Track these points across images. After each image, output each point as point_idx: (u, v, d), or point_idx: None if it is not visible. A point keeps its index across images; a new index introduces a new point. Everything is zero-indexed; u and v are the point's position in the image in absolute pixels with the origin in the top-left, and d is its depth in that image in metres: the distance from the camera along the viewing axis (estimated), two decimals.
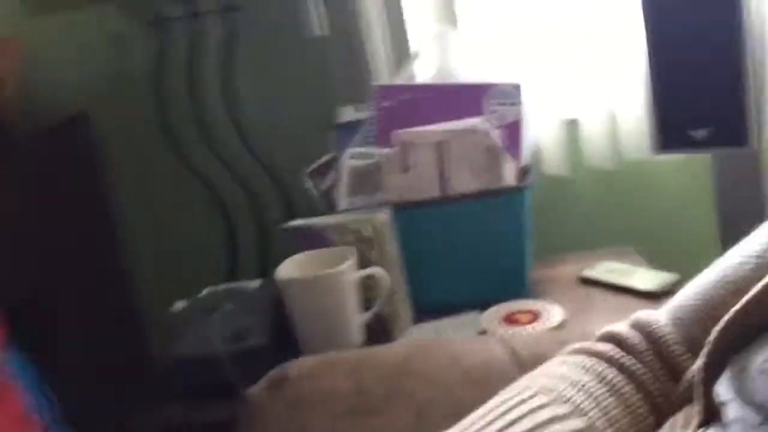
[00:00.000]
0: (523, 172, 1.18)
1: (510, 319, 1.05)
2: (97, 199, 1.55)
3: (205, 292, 1.25)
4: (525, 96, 1.19)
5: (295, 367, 0.79)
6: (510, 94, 1.18)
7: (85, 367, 1.36)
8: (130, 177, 1.57)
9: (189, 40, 1.50)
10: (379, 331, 1.06)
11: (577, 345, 0.56)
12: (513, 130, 1.17)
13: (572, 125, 1.40)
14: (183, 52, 1.51)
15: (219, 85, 1.52)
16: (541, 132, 1.35)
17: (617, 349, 0.53)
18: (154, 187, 1.58)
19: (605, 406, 0.49)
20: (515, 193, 1.14)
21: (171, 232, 1.59)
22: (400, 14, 1.41)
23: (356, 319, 1.05)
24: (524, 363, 0.72)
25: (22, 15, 1.47)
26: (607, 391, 0.50)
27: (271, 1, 1.45)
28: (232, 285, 1.29)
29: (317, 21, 1.38)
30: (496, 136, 1.14)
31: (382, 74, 1.38)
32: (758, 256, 0.50)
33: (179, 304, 1.24)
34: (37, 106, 1.44)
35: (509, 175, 1.14)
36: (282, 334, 1.05)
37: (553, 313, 1.04)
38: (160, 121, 1.52)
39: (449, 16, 1.35)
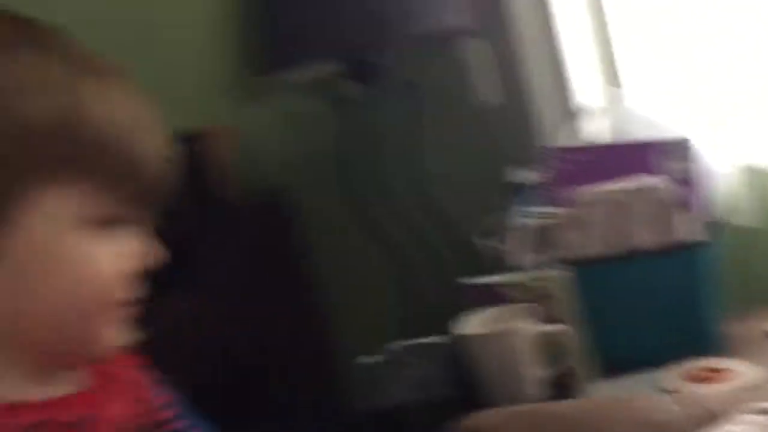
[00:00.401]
0: (705, 226, 1.16)
1: (696, 377, 1.02)
2: (294, 264, 1.71)
3: (390, 346, 1.33)
4: (702, 147, 1.18)
5: (479, 419, 0.84)
6: (682, 148, 1.18)
7: (282, 422, 1.48)
8: (321, 241, 1.72)
9: (372, 116, 1.64)
10: (561, 388, 1.08)
11: (762, 404, 0.56)
12: (689, 184, 1.16)
13: (758, 173, 1.35)
14: (367, 126, 1.65)
15: (400, 157, 1.64)
16: (724, 182, 1.32)
17: None
18: (343, 250, 1.72)
19: None
20: (696, 247, 1.12)
21: (357, 290, 1.72)
22: (566, 77, 1.45)
23: (537, 375, 1.07)
24: (709, 423, 0.71)
25: (230, 104, 1.69)
26: None
27: (446, 75, 1.56)
28: (414, 341, 1.36)
29: (490, 89, 1.46)
30: (672, 191, 1.14)
31: (552, 136, 1.43)
32: None
33: (367, 358, 1.33)
34: (244, 180, 1.64)
35: (689, 230, 1.13)
36: (463, 388, 1.10)
37: (743, 372, 1.01)
38: (347, 188, 1.66)
39: (614, 76, 1.38)
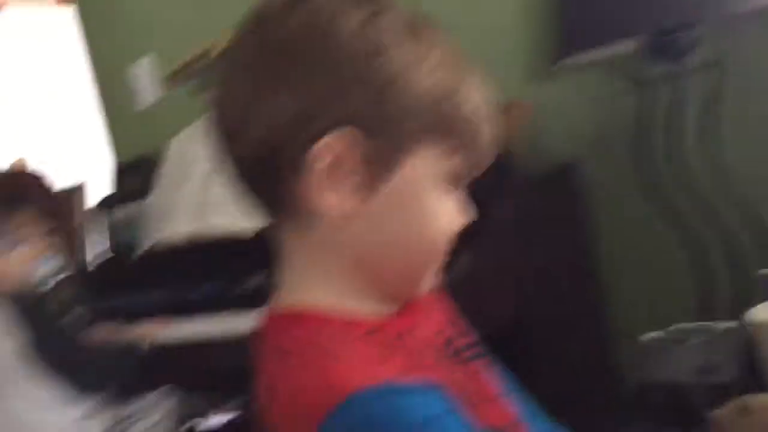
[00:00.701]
0: None
1: None
2: (580, 236, 1.76)
3: (675, 326, 1.34)
4: None
5: (752, 399, 0.84)
6: None
7: (559, 389, 1.55)
8: (609, 219, 1.75)
9: (670, 97, 1.61)
10: None
11: None
12: None
13: None
14: (664, 108, 1.63)
15: (699, 137, 1.59)
16: None
17: None
18: (632, 227, 1.73)
19: None
20: None
21: (646, 270, 1.72)
22: None
23: None
24: None
25: (528, 81, 1.78)
26: None
27: (752, 54, 1.48)
28: (702, 323, 1.35)
29: None
30: None
31: None
32: None
33: (650, 335, 1.36)
34: (535, 153, 1.72)
35: None
36: (748, 374, 1.09)
37: None
38: (641, 168, 1.66)
39: None
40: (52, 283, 1.50)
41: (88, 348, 1.51)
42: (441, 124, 0.60)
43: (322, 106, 0.57)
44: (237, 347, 1.43)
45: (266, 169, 0.59)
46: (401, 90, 0.58)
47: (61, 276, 1.51)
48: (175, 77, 1.93)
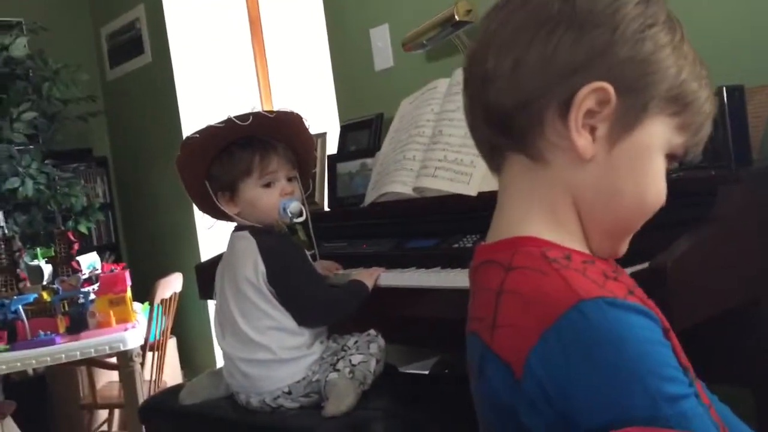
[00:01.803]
0: None
1: None
2: None
3: None
4: None
5: None
6: None
7: None
8: None
9: None
10: None
11: None
12: None
13: None
14: None
15: None
16: None
17: None
18: None
19: None
20: None
21: None
22: None
23: None
24: None
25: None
26: None
27: None
28: None
29: None
30: None
31: None
32: None
33: None
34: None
35: None
36: None
37: None
38: None
39: None
40: (294, 221, 1.66)
41: (321, 284, 1.66)
42: (680, 101, 0.68)
43: (592, 60, 0.66)
44: (445, 300, 1.53)
45: (523, 111, 0.68)
46: (659, 62, 0.67)
47: (302, 218, 1.66)
48: (410, 43, 2.03)
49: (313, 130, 2.29)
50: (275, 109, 1.71)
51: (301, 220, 1.65)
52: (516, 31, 0.68)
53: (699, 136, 0.71)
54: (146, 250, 4.48)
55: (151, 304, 3.10)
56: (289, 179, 1.68)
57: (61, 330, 2.98)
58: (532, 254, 0.67)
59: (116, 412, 3.35)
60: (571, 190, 0.69)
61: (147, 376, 3.12)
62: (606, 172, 0.68)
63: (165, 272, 4.22)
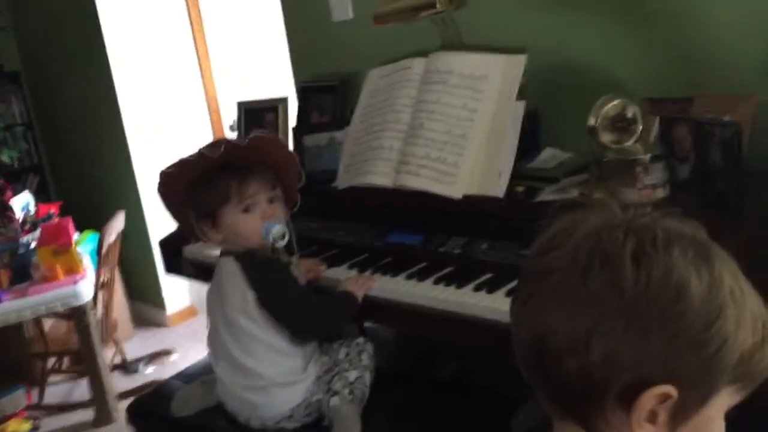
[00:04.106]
0: None
1: None
2: None
3: None
4: None
5: None
6: None
7: None
8: None
9: None
10: None
11: None
12: None
13: None
14: None
15: None
16: None
17: None
18: None
19: None
20: None
21: None
22: None
23: None
24: None
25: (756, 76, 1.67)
26: None
27: None
28: None
29: None
30: None
31: None
32: None
33: None
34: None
35: None
36: None
37: None
38: None
39: None
40: (276, 245, 1.62)
41: (311, 300, 1.66)
42: (746, 375, 0.67)
43: (656, 360, 0.63)
44: (445, 322, 1.55)
45: (584, 390, 0.66)
46: (728, 350, 0.64)
47: (283, 241, 1.62)
48: (384, 17, 1.91)
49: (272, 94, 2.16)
50: (247, 136, 1.63)
51: (283, 243, 1.62)
52: (589, 308, 0.65)
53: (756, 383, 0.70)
54: (72, 171, 4.26)
55: (99, 252, 3.00)
56: (271, 200, 1.63)
57: (5, 285, 2.87)
58: None
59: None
60: None
61: (98, 316, 3.07)
62: None
63: (94, 193, 4.05)
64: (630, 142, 1.60)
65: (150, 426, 1.81)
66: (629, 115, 1.60)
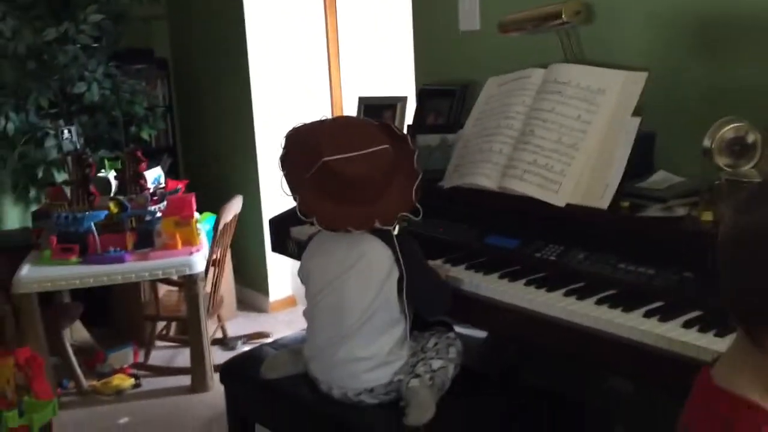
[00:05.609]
0: None
1: None
2: None
3: None
4: None
5: None
6: None
7: None
8: None
9: None
10: None
11: None
12: None
13: None
14: None
15: None
16: None
17: None
18: None
19: None
20: None
21: None
22: None
23: None
24: None
25: None
26: None
27: None
28: None
29: None
30: None
31: None
32: None
33: None
34: None
35: None
36: None
37: None
38: None
39: None
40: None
41: (438, 275, 1.73)
42: None
43: None
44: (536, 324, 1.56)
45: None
46: None
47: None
48: (509, 26, 1.96)
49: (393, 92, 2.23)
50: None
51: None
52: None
53: None
54: (201, 157, 4.54)
55: (215, 231, 3.19)
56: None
57: (129, 246, 3.10)
58: (742, 414, 0.83)
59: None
60: None
61: (207, 289, 3.25)
62: None
63: (217, 181, 4.30)
64: (747, 167, 1.56)
65: (239, 385, 1.92)
66: (749, 140, 1.57)
